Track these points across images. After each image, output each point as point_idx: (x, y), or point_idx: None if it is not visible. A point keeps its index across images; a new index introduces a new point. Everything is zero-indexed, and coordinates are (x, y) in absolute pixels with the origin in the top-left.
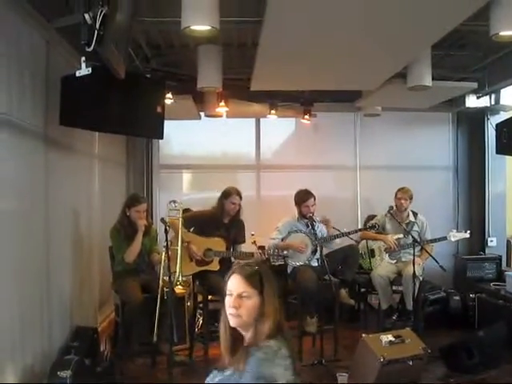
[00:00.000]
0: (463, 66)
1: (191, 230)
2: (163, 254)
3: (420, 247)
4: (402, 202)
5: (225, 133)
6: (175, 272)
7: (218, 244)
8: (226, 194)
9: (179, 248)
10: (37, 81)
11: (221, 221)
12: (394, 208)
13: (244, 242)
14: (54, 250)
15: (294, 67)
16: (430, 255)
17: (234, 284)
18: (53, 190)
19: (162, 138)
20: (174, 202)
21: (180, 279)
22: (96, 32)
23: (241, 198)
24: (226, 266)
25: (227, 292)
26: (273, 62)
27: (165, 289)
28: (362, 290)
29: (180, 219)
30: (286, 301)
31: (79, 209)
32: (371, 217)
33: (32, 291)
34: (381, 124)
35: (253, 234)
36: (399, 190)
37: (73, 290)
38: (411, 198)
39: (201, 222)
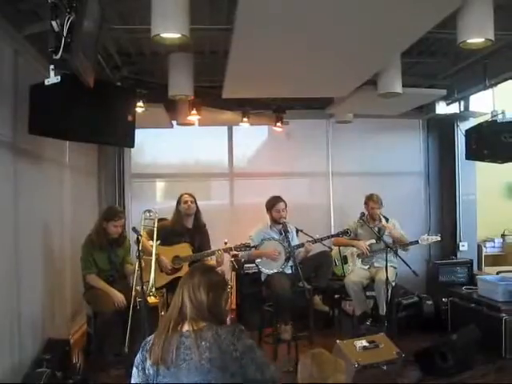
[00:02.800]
0: (433, 73)
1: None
2: (136, 263)
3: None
4: (376, 210)
5: (197, 141)
6: (148, 281)
7: (184, 249)
8: (178, 199)
9: (153, 259)
10: (4, 89)
11: (183, 227)
12: (366, 214)
13: (209, 249)
14: (23, 261)
15: (265, 75)
16: (402, 260)
17: None
18: (22, 200)
19: (132, 147)
20: (149, 211)
21: (153, 290)
22: (63, 39)
23: (193, 197)
24: None
25: None
26: (244, 69)
27: (137, 299)
28: (336, 296)
29: (155, 231)
30: (260, 308)
31: (50, 219)
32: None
33: (1, 303)
34: (352, 131)
35: (226, 242)
36: (369, 198)
37: (44, 301)
38: (381, 204)
39: (164, 234)
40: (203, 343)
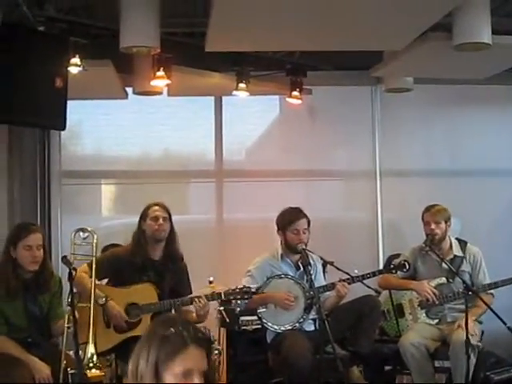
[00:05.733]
0: None
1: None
2: (67, 315)
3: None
4: (433, 227)
5: (166, 120)
6: (86, 344)
7: (145, 293)
8: (143, 213)
9: (91, 307)
10: None
11: (146, 258)
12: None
13: (190, 293)
14: None
15: (274, 13)
16: (492, 310)
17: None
18: None
19: (63, 129)
20: (83, 230)
21: (94, 358)
22: None
23: (167, 211)
24: None
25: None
26: (239, 4)
27: (69, 371)
28: (387, 367)
29: (93, 261)
30: None
31: None
32: (395, 256)
33: None
34: (413, 104)
35: (211, 282)
36: (426, 209)
37: None
38: (447, 221)
39: (116, 268)
40: None
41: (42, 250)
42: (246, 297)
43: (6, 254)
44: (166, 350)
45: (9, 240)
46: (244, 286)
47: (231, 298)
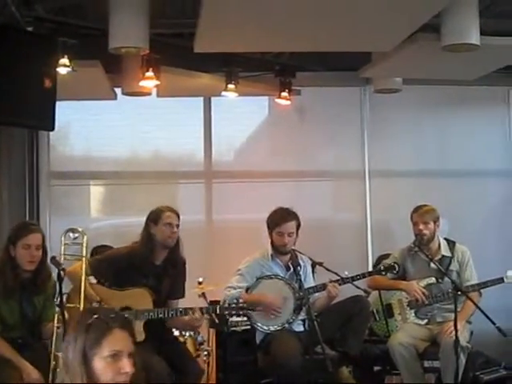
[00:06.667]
0: None
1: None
2: (56, 316)
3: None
4: (421, 227)
5: (155, 121)
6: None
7: (140, 298)
8: (155, 216)
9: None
10: None
11: (149, 262)
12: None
13: (182, 297)
14: None
15: (263, 14)
16: (481, 310)
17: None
18: None
19: (52, 129)
20: (73, 231)
21: None
22: None
23: (179, 217)
24: (155, 333)
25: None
26: (229, 5)
27: (59, 372)
28: (376, 368)
29: (83, 261)
30: None
31: None
32: (385, 256)
33: None
34: (402, 105)
35: (200, 283)
36: (415, 210)
37: None
38: (436, 221)
39: (115, 269)
40: None
41: (40, 251)
42: (241, 313)
43: (6, 252)
44: (91, 336)
45: (9, 238)
46: (240, 302)
47: (226, 312)
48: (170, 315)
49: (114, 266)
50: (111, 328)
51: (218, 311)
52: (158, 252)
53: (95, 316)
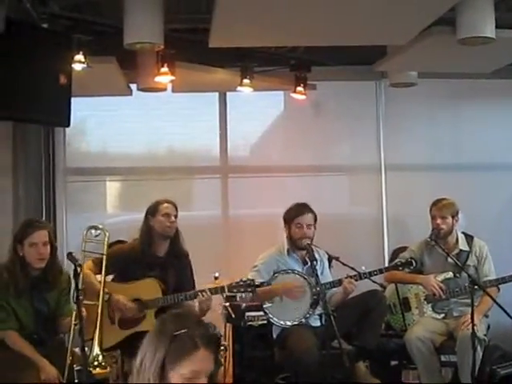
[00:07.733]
0: None
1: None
2: (74, 312)
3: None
4: (439, 221)
5: (171, 117)
6: (91, 340)
7: (149, 289)
8: (153, 209)
9: (100, 303)
10: None
11: (151, 255)
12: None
13: (193, 289)
14: None
15: (277, 8)
16: (498, 304)
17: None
18: None
19: (68, 126)
20: (95, 228)
21: (99, 358)
22: None
23: (176, 208)
24: None
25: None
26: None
27: (75, 368)
28: (393, 362)
29: (104, 259)
30: (272, 382)
31: None
32: (401, 250)
33: None
34: (417, 99)
35: (216, 277)
36: (434, 203)
37: None
38: (454, 216)
39: (120, 264)
40: None
41: (48, 247)
42: (249, 289)
43: (14, 252)
44: (175, 351)
45: (15, 238)
46: (247, 279)
47: (234, 290)
48: (180, 300)
49: (121, 263)
50: (197, 347)
51: (226, 290)
52: (159, 243)
53: (183, 329)
